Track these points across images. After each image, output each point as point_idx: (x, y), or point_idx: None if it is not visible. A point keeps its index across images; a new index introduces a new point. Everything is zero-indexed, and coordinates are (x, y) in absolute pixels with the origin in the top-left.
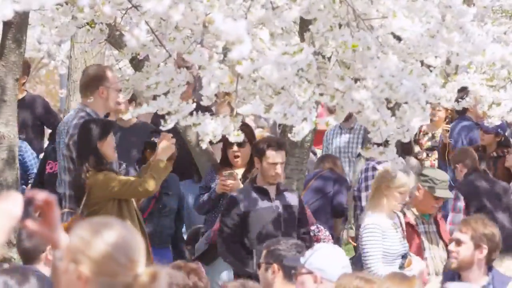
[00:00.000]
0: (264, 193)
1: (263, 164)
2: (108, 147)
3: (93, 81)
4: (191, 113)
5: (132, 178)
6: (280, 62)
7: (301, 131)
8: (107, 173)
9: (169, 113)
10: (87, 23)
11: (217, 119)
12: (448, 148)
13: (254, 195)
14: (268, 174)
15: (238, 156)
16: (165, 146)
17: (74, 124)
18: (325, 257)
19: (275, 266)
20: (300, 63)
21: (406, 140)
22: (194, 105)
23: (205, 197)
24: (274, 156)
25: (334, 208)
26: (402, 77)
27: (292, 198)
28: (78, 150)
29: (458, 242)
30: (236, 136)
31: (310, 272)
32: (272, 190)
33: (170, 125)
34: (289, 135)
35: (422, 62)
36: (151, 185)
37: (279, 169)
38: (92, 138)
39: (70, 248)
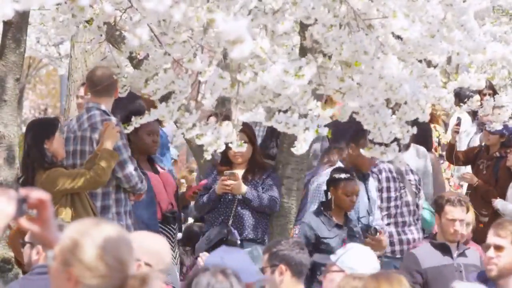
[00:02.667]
0: (445, 250)
1: (442, 220)
2: (56, 145)
3: (114, 81)
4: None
5: (82, 171)
6: (283, 80)
7: (303, 145)
8: (57, 170)
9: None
10: (86, 21)
11: (219, 127)
12: (455, 148)
13: (435, 251)
14: (447, 231)
15: (239, 156)
16: (110, 135)
17: (100, 120)
18: (357, 257)
19: (282, 266)
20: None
21: (405, 142)
22: (198, 115)
23: (205, 198)
24: (452, 212)
25: None
26: (402, 77)
27: (474, 257)
28: (26, 150)
29: (498, 248)
30: (239, 147)
31: (341, 270)
32: (453, 247)
33: (179, 140)
34: (292, 149)
35: (424, 60)
36: (102, 176)
37: (458, 226)
38: (39, 137)
39: (60, 249)
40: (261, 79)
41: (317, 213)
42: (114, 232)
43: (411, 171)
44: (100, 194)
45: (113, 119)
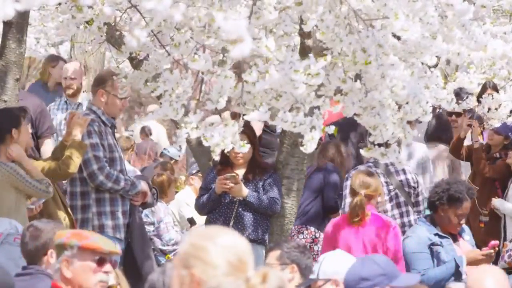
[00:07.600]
0: None
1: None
2: (24, 135)
3: (96, 82)
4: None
5: (50, 162)
6: (293, 80)
7: (311, 142)
8: None
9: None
10: (86, 22)
11: (224, 127)
12: (463, 143)
13: None
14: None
15: (240, 157)
16: (76, 123)
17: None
18: (335, 262)
19: (294, 266)
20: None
21: (408, 142)
22: (202, 114)
23: (205, 197)
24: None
25: (327, 208)
26: (403, 78)
27: None
28: None
29: None
30: (242, 147)
31: (327, 280)
32: None
33: (181, 138)
34: (301, 147)
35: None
36: (71, 167)
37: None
38: (5, 127)
39: (181, 255)
40: (270, 78)
41: None
42: (231, 235)
43: (403, 171)
44: (79, 193)
45: (90, 117)
